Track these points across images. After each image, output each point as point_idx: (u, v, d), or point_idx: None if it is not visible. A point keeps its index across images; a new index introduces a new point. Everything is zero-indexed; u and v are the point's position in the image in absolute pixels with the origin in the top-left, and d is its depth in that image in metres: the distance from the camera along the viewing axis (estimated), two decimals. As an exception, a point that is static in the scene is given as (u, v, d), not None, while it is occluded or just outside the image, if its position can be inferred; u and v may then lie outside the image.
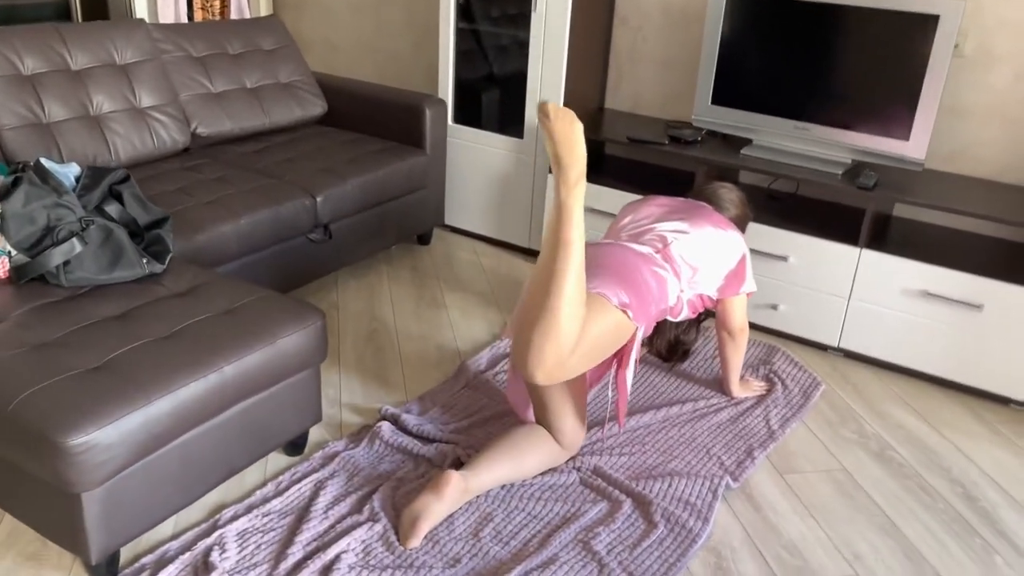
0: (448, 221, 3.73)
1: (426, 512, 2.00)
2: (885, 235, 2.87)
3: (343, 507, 2.08)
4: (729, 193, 2.60)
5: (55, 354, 1.84)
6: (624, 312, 2.05)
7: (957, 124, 2.92)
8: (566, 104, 3.30)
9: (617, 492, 2.17)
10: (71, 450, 1.62)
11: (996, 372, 2.65)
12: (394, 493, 2.13)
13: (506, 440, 2.17)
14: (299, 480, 2.17)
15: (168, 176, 2.92)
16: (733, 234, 2.38)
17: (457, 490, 2.04)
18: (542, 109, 1.86)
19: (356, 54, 4.32)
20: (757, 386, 2.66)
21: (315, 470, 2.21)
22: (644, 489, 2.18)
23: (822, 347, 2.95)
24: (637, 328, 2.09)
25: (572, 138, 1.85)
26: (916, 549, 2.06)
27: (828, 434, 2.49)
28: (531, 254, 3.56)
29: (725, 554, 2.02)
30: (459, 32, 3.48)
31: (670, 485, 2.21)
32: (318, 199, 2.93)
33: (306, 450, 2.30)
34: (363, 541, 1.97)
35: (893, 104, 2.74)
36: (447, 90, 3.54)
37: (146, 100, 3.03)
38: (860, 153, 2.87)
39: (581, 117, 3.39)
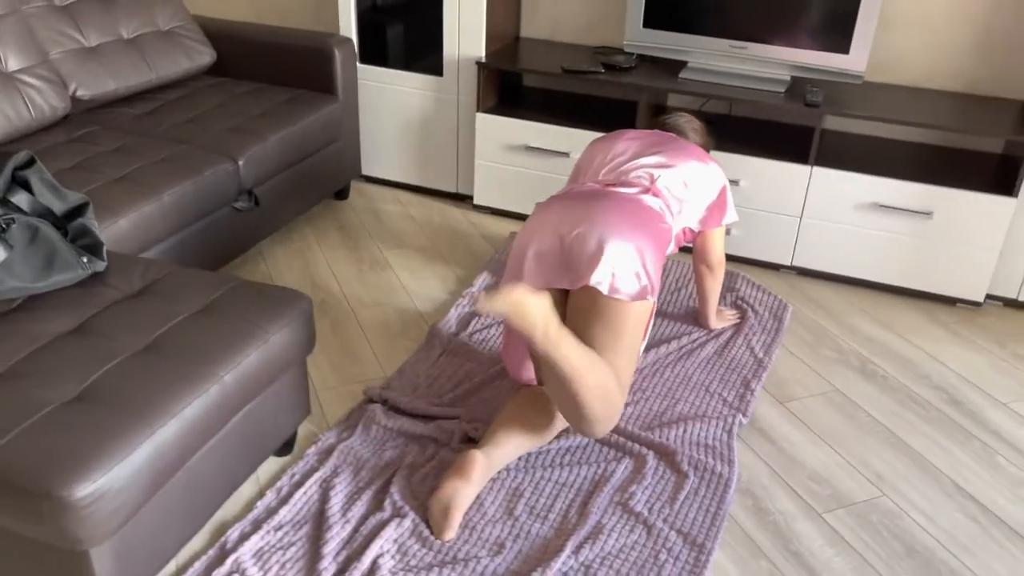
0: (364, 171, 3.46)
1: (456, 499, 1.85)
2: (831, 151, 2.89)
3: (361, 506, 1.89)
4: (690, 123, 2.53)
5: (17, 388, 1.53)
6: (644, 298, 1.96)
7: (883, 34, 2.94)
8: (488, 36, 3.08)
9: (636, 446, 2.09)
10: (79, 504, 1.36)
11: (944, 275, 2.75)
12: (410, 482, 1.96)
13: (518, 410, 2.03)
14: (301, 483, 1.95)
15: (58, 151, 2.51)
16: (714, 167, 2.30)
17: (483, 470, 1.91)
18: (478, 308, 1.76)
19: (223, -9, 3.88)
20: (730, 315, 2.64)
21: (314, 469, 2.00)
22: (662, 438, 2.12)
23: (775, 267, 2.97)
24: (654, 302, 2.03)
25: (515, 309, 1.75)
26: (927, 460, 2.12)
27: (810, 356, 2.51)
28: (460, 199, 3.37)
29: (760, 494, 2.00)
30: (357, -38, 3.17)
31: (685, 431, 2.16)
32: (240, 162, 2.61)
33: (295, 448, 2.08)
34: (395, 541, 1.81)
35: (832, 17, 2.72)
36: (350, 27, 3.23)
37: (13, 63, 2.56)
38: (798, 69, 2.85)
39: (500, 47, 3.19)
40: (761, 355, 2.47)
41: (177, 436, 1.53)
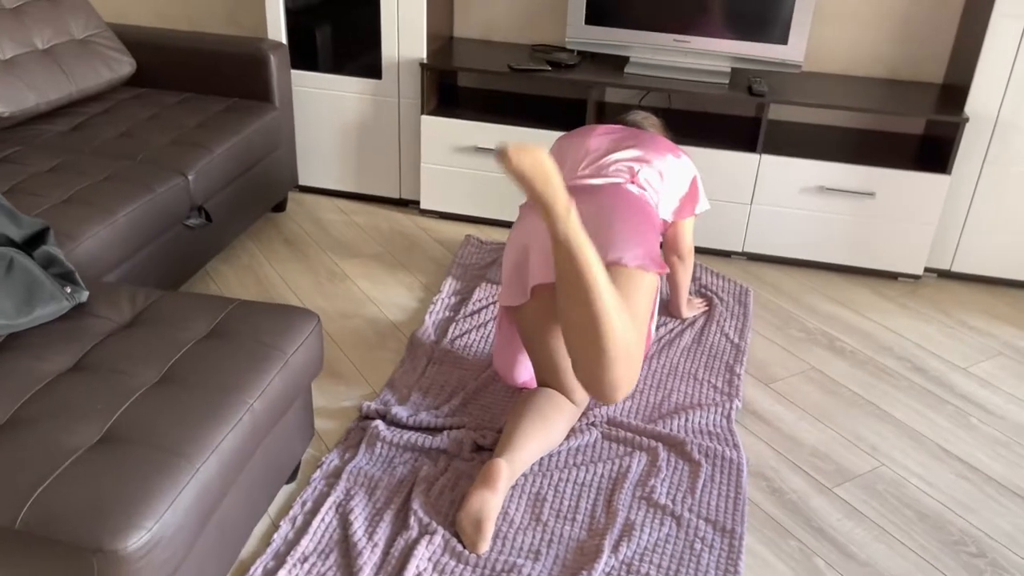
0: (300, 181, 3.33)
1: (485, 510, 1.80)
2: (775, 138, 2.99)
3: (385, 528, 1.81)
4: (647, 119, 2.57)
5: (31, 434, 1.38)
6: (654, 272, 1.99)
7: (812, 25, 3.06)
8: (429, 34, 3.02)
9: (645, 439, 2.10)
10: (133, 557, 1.24)
11: (886, 251, 2.90)
12: (429, 497, 1.89)
13: (530, 412, 2.00)
14: (315, 510, 1.85)
15: (-14, 174, 2.29)
16: (686, 159, 2.34)
17: (507, 478, 1.87)
18: (501, 153, 1.66)
19: (121, -3, 3.64)
20: (699, 303, 2.69)
21: (325, 494, 1.90)
22: (667, 430, 2.14)
23: (726, 254, 3.05)
24: (661, 276, 2.05)
25: (544, 170, 1.67)
26: (911, 427, 2.23)
27: (780, 337, 2.59)
28: (403, 204, 3.29)
29: (770, 475, 2.05)
30: (283, -37, 3.03)
31: (686, 420, 2.18)
32: (190, 177, 2.45)
33: (299, 474, 1.97)
34: (430, 559, 1.74)
35: (771, 9, 2.81)
36: (279, 30, 3.09)
37: (-78, 79, 2.32)
38: (740, 61, 2.93)
39: (436, 48, 3.14)
40: (736, 340, 2.53)
41: (218, 472, 1.42)
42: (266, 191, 2.94)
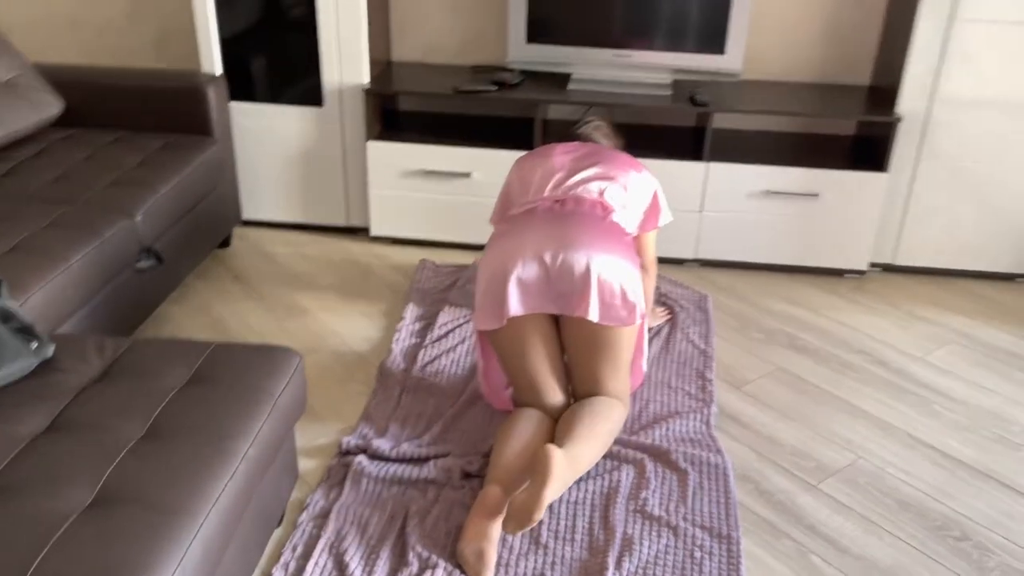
0: (244, 215, 3.23)
1: (487, 539, 1.78)
2: (718, 146, 3.04)
3: (383, 566, 1.76)
4: (599, 130, 2.58)
5: (17, 503, 1.29)
6: (639, 319, 2.02)
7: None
8: (371, 58, 2.98)
9: (630, 451, 2.10)
10: (147, 624, 1.17)
11: (831, 250, 2.98)
12: (424, 529, 1.85)
13: (519, 435, 1.98)
14: (308, 554, 1.79)
15: (-82, 228, 2.15)
16: (646, 173, 2.36)
17: (504, 505, 1.84)
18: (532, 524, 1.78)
19: (48, 34, 3.49)
20: (661, 312, 2.72)
21: (316, 536, 1.84)
22: (650, 440, 2.14)
23: (679, 261, 3.09)
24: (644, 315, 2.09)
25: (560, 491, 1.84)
26: (879, 418, 2.29)
27: (742, 340, 2.64)
28: (352, 232, 3.23)
29: (756, 478, 2.07)
30: (213, -6, 2.95)
31: (667, 429, 2.19)
32: (137, 218, 2.36)
33: (284, 518, 1.91)
34: (433, 595, 1.70)
35: (707, 20, 2.87)
36: (213, 62, 3.01)
37: None
38: (680, 72, 2.98)
39: (376, 73, 3.10)
40: (703, 346, 2.56)
41: (219, 528, 1.35)
42: (212, 228, 2.85)
